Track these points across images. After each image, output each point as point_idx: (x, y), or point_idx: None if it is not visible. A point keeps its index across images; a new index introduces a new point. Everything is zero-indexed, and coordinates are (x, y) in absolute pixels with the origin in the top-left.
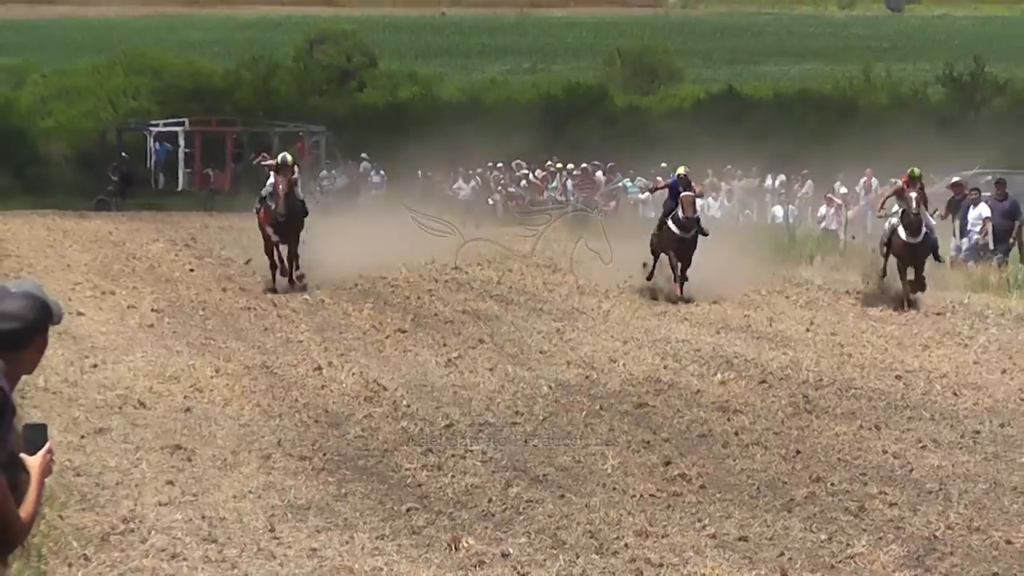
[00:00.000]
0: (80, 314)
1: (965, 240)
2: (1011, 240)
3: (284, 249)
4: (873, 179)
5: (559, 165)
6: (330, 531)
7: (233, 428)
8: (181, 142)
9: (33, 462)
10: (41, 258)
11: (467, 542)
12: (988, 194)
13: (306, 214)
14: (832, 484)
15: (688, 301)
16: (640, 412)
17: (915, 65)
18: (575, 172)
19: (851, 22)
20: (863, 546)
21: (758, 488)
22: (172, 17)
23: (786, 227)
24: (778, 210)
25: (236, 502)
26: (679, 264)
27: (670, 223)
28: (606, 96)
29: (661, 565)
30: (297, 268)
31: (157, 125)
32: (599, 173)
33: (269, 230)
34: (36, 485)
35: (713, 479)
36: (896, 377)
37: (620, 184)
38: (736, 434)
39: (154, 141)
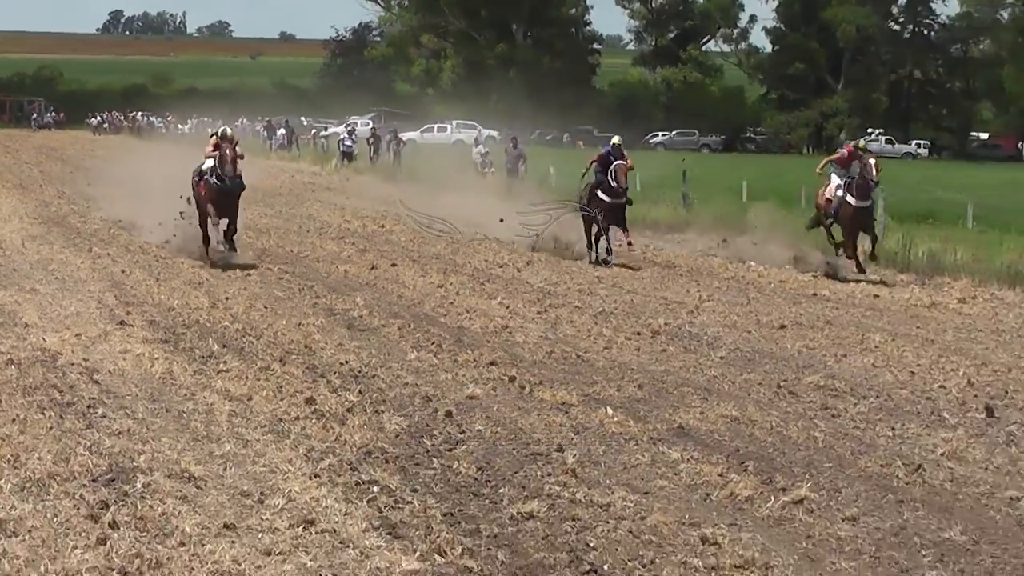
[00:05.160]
0: None
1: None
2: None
3: (221, 222)
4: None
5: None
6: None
7: (26, 219)
8: None
9: None
10: None
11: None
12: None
13: (243, 188)
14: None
15: (610, 264)
16: (297, 266)
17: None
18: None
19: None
20: (355, 303)
21: (329, 276)
22: None
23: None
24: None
25: (24, 245)
26: (609, 227)
27: (600, 192)
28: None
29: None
30: (229, 238)
31: None
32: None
33: (208, 204)
34: None
35: (305, 279)
36: (379, 226)
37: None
38: (331, 258)
39: None
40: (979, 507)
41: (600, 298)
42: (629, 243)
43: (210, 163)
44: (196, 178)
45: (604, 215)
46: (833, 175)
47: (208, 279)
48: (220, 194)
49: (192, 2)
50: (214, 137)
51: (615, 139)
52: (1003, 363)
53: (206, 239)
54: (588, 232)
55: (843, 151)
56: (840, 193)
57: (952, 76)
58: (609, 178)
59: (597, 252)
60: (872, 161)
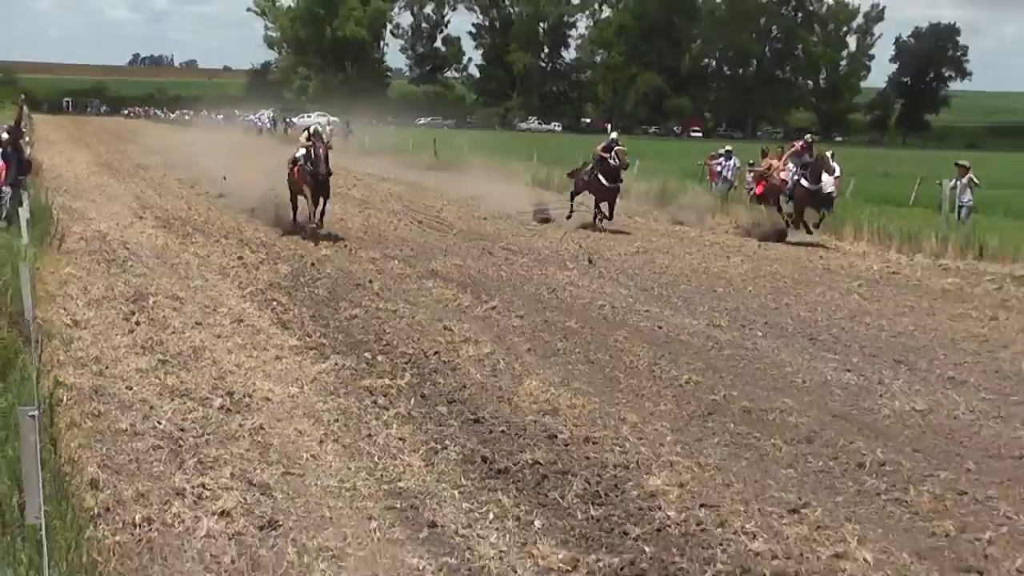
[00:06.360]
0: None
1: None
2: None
3: (317, 206)
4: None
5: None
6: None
7: (89, 163)
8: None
9: None
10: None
11: None
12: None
13: (330, 174)
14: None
15: (604, 230)
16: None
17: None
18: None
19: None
20: (265, 210)
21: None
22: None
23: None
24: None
25: (76, 165)
26: (605, 205)
27: (600, 176)
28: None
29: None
30: (322, 217)
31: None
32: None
33: (305, 188)
34: None
35: (236, 198)
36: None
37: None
38: (251, 186)
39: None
40: (584, 309)
41: (392, 204)
42: (609, 218)
43: (302, 151)
44: (290, 165)
45: (600, 196)
46: (790, 163)
47: (186, 195)
48: (314, 179)
49: (176, 48)
50: (306, 132)
51: (613, 134)
52: (597, 236)
53: (294, 214)
54: (573, 195)
55: (798, 145)
56: (796, 178)
57: (574, 89)
58: (610, 158)
59: (572, 209)
60: (829, 154)
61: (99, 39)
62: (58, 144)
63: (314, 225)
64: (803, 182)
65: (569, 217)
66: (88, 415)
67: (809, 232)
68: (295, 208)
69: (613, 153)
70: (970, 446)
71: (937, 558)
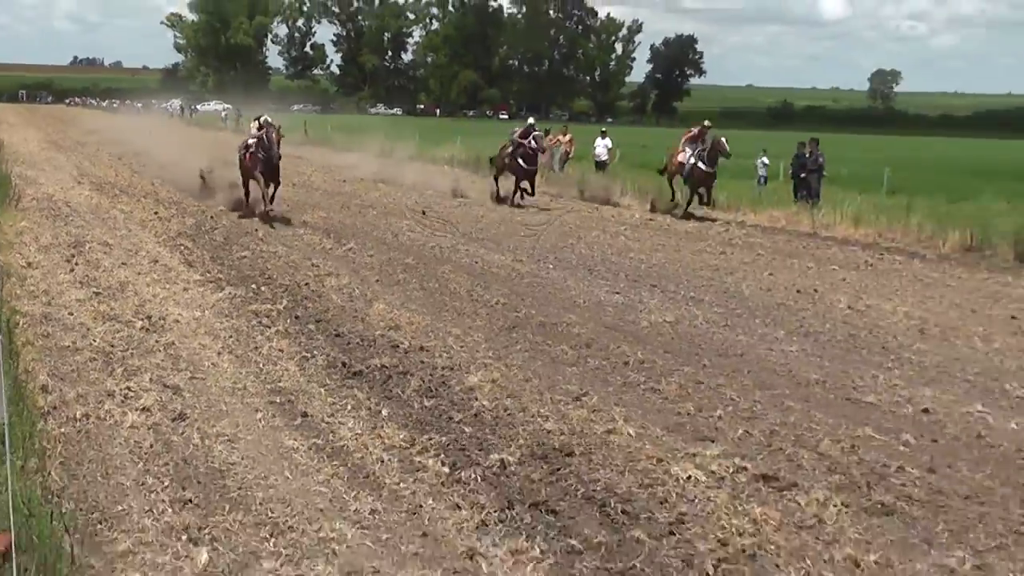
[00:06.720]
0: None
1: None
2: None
3: (269, 188)
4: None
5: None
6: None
7: (40, 141)
8: None
9: None
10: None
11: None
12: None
13: (279, 158)
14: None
15: (522, 207)
16: (149, 160)
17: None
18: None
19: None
20: (176, 176)
21: (165, 165)
22: None
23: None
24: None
25: (30, 146)
26: (525, 184)
27: (520, 160)
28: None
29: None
30: (273, 200)
31: None
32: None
33: (256, 172)
34: None
35: (153, 166)
36: (188, 145)
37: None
38: (163, 156)
39: None
40: (419, 249)
41: (293, 180)
42: (531, 194)
43: (253, 140)
44: (242, 151)
45: (520, 176)
46: (687, 147)
47: (115, 165)
48: (265, 164)
49: (107, 51)
50: (256, 122)
51: (531, 119)
52: (431, 195)
53: (246, 197)
54: (496, 176)
55: (695, 130)
56: (693, 160)
57: (411, 82)
58: (528, 144)
59: (498, 191)
60: (724, 140)
61: (46, 44)
62: (16, 126)
63: (266, 208)
64: (700, 164)
65: (495, 196)
66: (39, 335)
67: (704, 204)
68: (247, 192)
69: (532, 138)
70: (706, 348)
71: (681, 431)
